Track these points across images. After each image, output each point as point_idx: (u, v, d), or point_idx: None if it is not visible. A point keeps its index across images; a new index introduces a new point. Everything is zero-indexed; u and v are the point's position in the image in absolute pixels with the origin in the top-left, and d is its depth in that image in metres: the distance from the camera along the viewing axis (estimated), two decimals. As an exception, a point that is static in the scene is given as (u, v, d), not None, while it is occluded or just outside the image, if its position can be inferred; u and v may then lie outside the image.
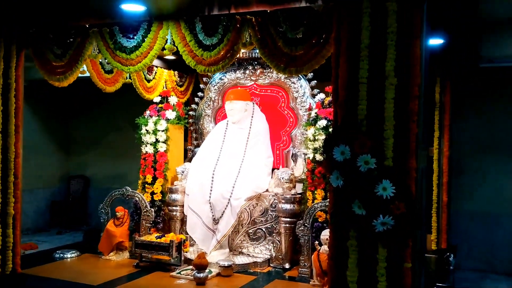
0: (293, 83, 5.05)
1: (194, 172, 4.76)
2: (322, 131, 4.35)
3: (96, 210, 5.03)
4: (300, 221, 4.20)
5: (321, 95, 4.71)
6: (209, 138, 5.12)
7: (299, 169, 4.79)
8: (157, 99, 5.29)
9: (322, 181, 4.31)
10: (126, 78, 4.97)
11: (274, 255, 4.53)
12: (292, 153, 4.94)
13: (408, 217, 2.67)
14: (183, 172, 4.99)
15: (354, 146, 2.71)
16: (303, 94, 5.02)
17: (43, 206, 8.08)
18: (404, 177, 2.70)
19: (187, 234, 4.75)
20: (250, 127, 4.97)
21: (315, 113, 4.51)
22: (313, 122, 4.49)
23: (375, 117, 2.77)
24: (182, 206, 4.89)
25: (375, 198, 2.65)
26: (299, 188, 4.69)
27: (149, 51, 3.89)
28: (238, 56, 4.69)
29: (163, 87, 5.45)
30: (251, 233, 4.65)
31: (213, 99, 5.42)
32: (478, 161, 6.22)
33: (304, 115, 4.97)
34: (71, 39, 4.10)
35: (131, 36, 3.93)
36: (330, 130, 4.20)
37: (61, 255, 4.74)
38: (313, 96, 4.94)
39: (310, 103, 4.91)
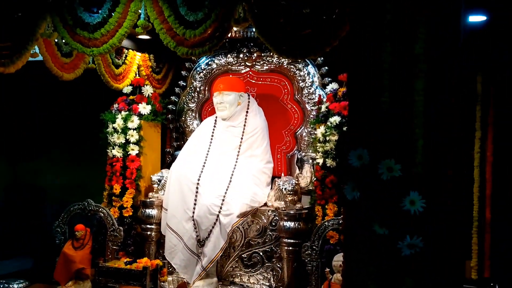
0: (299, 70, 5.07)
1: (174, 181, 4.75)
2: (335, 130, 4.36)
3: (50, 229, 5.03)
4: (307, 243, 4.22)
5: (334, 85, 4.73)
6: (193, 139, 5.12)
7: (306, 177, 4.81)
8: (127, 89, 5.29)
9: (335, 193, 4.33)
10: (89, 62, 4.96)
11: (274, 285, 4.53)
12: (297, 158, 4.97)
13: (442, 239, 2.69)
14: (160, 181, 4.99)
15: (375, 149, 2.72)
16: (311, 83, 5.03)
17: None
18: (437, 188, 2.73)
19: (165, 259, 4.76)
20: (245, 125, 4.98)
21: (326, 107, 4.52)
22: (323, 118, 4.50)
23: (401, 112, 2.78)
24: (159, 224, 4.89)
25: (401, 214, 2.66)
26: (305, 201, 4.70)
27: (117, 28, 3.89)
28: (229, 35, 4.70)
29: (135, 75, 5.45)
30: (245, 258, 4.66)
31: (198, 89, 5.43)
32: (530, 169, 6.22)
33: (312, 110, 4.99)
34: (19, 14, 4.08)
35: (95, 10, 3.93)
36: (345, 128, 4.20)
37: (5, 285, 4.72)
38: (324, 86, 4.96)
39: (319, 95, 4.92)
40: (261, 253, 4.63)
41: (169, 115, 5.50)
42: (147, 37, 5.03)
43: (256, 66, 5.25)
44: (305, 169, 4.83)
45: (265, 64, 5.22)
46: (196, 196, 4.62)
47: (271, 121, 5.13)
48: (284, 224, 4.42)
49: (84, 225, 4.85)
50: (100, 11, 3.93)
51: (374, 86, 2.79)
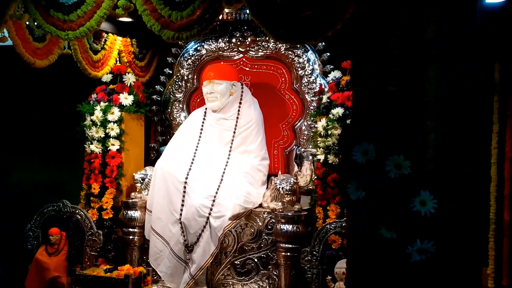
0: (298, 56, 5.08)
1: (159, 179, 4.75)
2: (337, 123, 4.38)
3: (22, 233, 5.00)
4: (307, 249, 4.23)
5: (336, 73, 4.74)
6: (180, 133, 5.13)
7: (306, 175, 4.82)
8: (107, 77, 5.27)
9: (337, 193, 4.35)
10: (64, 48, 4.92)
11: (270, 295, 4.56)
12: (296, 154, 4.98)
13: (455, 243, 2.70)
14: (143, 180, 4.99)
15: (381, 144, 2.73)
16: (312, 71, 5.05)
17: None
18: (450, 187, 2.73)
19: (149, 266, 4.76)
20: (238, 118, 4.99)
21: (328, 98, 4.53)
22: (325, 110, 4.52)
23: (410, 103, 2.78)
24: (142, 227, 4.89)
25: (410, 215, 2.67)
26: (305, 202, 4.71)
27: (95, 9, 3.86)
28: (220, 18, 4.74)
29: (116, 61, 5.43)
30: (238, 264, 4.66)
31: (185, 78, 5.43)
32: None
33: (312, 100, 5.00)
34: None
35: (71, -11, 3.92)
36: (348, 121, 4.21)
37: (-28, 295, 4.73)
38: (325, 74, 4.96)
39: (321, 84, 4.94)
40: (255, 260, 4.63)
41: (154, 107, 5.49)
42: (128, 19, 5.01)
43: (250, 52, 5.25)
44: (305, 166, 4.84)
45: (260, 50, 5.22)
46: (183, 196, 4.62)
47: (267, 113, 5.12)
48: (281, 227, 4.43)
49: (59, 228, 4.83)
50: (76, -10, 3.91)
51: (381, 74, 2.78)
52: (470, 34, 2.78)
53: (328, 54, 5.00)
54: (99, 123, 5.07)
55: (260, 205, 4.74)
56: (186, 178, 4.69)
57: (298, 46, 5.03)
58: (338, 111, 4.39)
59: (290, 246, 4.43)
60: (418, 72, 2.74)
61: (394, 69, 2.78)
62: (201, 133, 5.04)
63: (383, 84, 2.78)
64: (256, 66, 5.27)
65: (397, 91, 2.76)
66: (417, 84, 2.75)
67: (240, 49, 5.27)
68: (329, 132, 4.41)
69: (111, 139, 5.06)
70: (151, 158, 5.49)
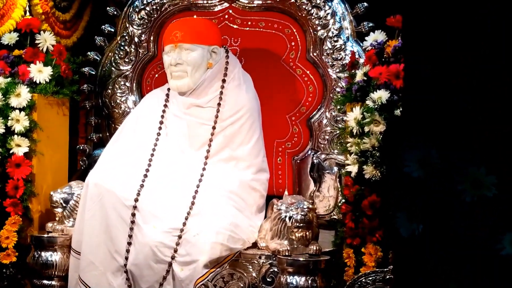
0: (317, 6, 5.10)
1: (93, 203, 4.71)
2: (380, 115, 4.34)
3: None
4: (329, 316, 4.21)
5: (377, 36, 4.73)
6: (128, 128, 5.11)
7: (328, 198, 4.88)
8: (10, 37, 5.26)
9: (378, 226, 4.34)
10: None
11: None
12: (313, 164, 5.03)
13: None
14: (67, 202, 4.93)
15: (450, 149, 2.67)
16: (339, 31, 5.08)
17: None
18: None
19: None
20: (220, 105, 4.95)
21: (365, 74, 4.53)
22: (359, 94, 4.53)
23: (499, 85, 2.69)
24: (65, 278, 4.85)
25: (496, 263, 2.57)
26: (326, 240, 4.74)
27: None
28: None
29: (25, 13, 5.37)
30: None
31: (136, 40, 5.46)
32: None
33: (340, 78, 5.03)
34: None
35: None
36: (398, 112, 4.21)
37: None
38: (361, 37, 4.99)
39: (353, 52, 4.94)
40: (247, 333, 4.62)
41: (85, 85, 5.51)
42: None
43: (241, 0, 5.27)
44: (326, 183, 4.91)
45: None
46: (131, 229, 4.57)
47: (267, 97, 5.12)
48: (289, 280, 4.38)
49: None
50: None
51: (453, 37, 2.74)
52: None
53: (366, 4, 5.00)
54: (-5, 111, 5.07)
55: (255, 245, 4.69)
56: (136, 200, 4.62)
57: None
58: (380, 95, 4.34)
59: (302, 311, 4.41)
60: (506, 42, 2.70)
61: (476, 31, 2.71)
62: (160, 128, 5.00)
63: (455, 54, 2.74)
64: (249, 23, 5.29)
65: (475, 69, 2.71)
66: (504, 59, 2.69)
67: (224, -6, 5.30)
68: (367, 129, 4.36)
69: (15, 136, 5.01)
70: (79, 167, 5.50)
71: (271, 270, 4.53)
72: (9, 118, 5.00)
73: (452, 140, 2.66)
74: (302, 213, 4.44)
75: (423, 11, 2.79)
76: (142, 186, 4.72)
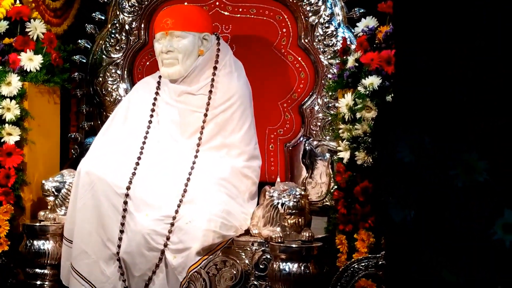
0: None
1: (85, 191, 4.71)
2: (372, 101, 4.36)
3: None
4: (322, 301, 4.23)
5: (369, 21, 4.73)
6: (119, 116, 5.12)
7: (320, 184, 4.91)
8: (0, 26, 5.23)
9: (370, 212, 4.37)
10: None
11: None
12: (305, 150, 5.06)
13: None
14: (58, 191, 4.94)
15: (442, 135, 2.71)
16: (330, 17, 5.11)
17: None
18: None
19: (68, 330, 4.75)
20: (211, 92, 4.96)
21: (356, 60, 4.55)
22: (351, 80, 4.54)
23: (493, 71, 2.72)
24: (57, 266, 4.86)
25: (488, 248, 2.64)
26: (319, 226, 4.76)
27: None
28: None
29: (14, 1, 5.36)
30: (211, 327, 4.66)
31: (127, 28, 5.48)
32: None
33: (331, 64, 5.06)
34: None
35: None
36: (389, 98, 4.23)
37: None
38: (352, 23, 4.99)
39: (344, 38, 4.97)
40: (239, 319, 4.64)
41: (76, 73, 5.51)
42: None
43: None
44: (318, 169, 4.94)
45: None
46: (123, 217, 4.58)
47: (259, 84, 5.13)
48: (281, 266, 4.39)
49: None
50: None
51: (448, 28, 2.79)
52: None
53: None
54: (-14, 100, 5.08)
55: (247, 232, 4.70)
56: (128, 188, 4.63)
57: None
58: (372, 81, 4.35)
59: (295, 297, 4.42)
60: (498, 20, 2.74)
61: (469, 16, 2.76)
62: (151, 116, 5.00)
63: (447, 39, 2.79)
64: (241, 9, 5.31)
65: (470, 49, 2.74)
66: (499, 39, 2.73)
67: (215, -19, 5.32)
68: (358, 115, 4.37)
69: (6, 125, 5.02)
70: (71, 155, 5.50)
71: (264, 257, 4.55)
72: (0, 106, 5.01)
73: (443, 128, 2.70)
74: (295, 200, 4.46)
75: (418, 1, 2.82)
76: (134, 174, 4.73)
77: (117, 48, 5.50)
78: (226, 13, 5.32)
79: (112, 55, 5.51)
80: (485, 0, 2.76)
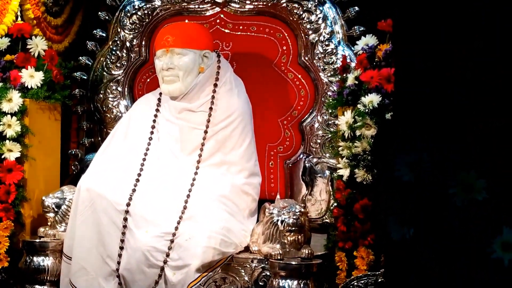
0: (308, 11, 5.12)
1: (85, 208, 4.70)
2: (371, 119, 4.35)
3: None
4: (321, 320, 4.21)
5: (368, 40, 4.73)
6: (119, 133, 5.11)
7: (320, 202, 4.89)
8: (1, 42, 5.23)
9: (369, 229, 4.35)
10: None
11: None
12: (305, 167, 5.05)
13: None
14: (58, 207, 4.94)
15: (441, 153, 2.74)
16: (330, 35, 5.10)
17: None
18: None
19: None
20: (212, 109, 4.96)
21: (356, 78, 4.54)
22: (351, 98, 4.53)
23: (491, 89, 2.75)
24: (56, 283, 4.84)
25: (487, 266, 2.67)
26: (318, 244, 4.75)
27: None
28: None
29: (16, 18, 5.36)
30: None
31: (128, 45, 5.47)
32: None
33: (331, 82, 5.05)
34: None
35: None
36: (389, 116, 4.21)
37: None
38: (352, 41, 4.99)
39: (344, 56, 4.94)
40: (239, 336, 4.63)
41: (77, 90, 5.50)
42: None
43: (233, 4, 5.27)
44: (318, 186, 4.92)
45: (248, 1, 5.23)
46: (123, 234, 4.58)
47: (259, 101, 5.14)
48: (281, 283, 4.39)
49: None
50: None
51: (446, 39, 2.80)
52: None
53: (356, 8, 5.02)
54: (-13, 116, 5.07)
55: (247, 249, 4.69)
56: (128, 205, 4.63)
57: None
58: (372, 99, 4.35)
59: (294, 315, 4.41)
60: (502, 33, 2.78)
61: (468, 33, 2.79)
62: (152, 133, 5.00)
63: (446, 40, 2.82)
64: (241, 27, 5.31)
65: (470, 68, 2.77)
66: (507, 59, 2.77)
67: (216, -1, 5.31)
68: (358, 132, 4.36)
69: (7, 141, 5.01)
70: (71, 172, 5.50)
71: (264, 274, 4.54)
72: (1, 123, 5.00)
73: (442, 146, 2.72)
74: (294, 217, 4.45)
75: (417, 4, 2.84)
76: (134, 190, 4.74)
77: (118, 65, 5.50)
78: (226, 30, 5.32)
79: (113, 72, 5.51)
80: (484, 2, 2.78)
